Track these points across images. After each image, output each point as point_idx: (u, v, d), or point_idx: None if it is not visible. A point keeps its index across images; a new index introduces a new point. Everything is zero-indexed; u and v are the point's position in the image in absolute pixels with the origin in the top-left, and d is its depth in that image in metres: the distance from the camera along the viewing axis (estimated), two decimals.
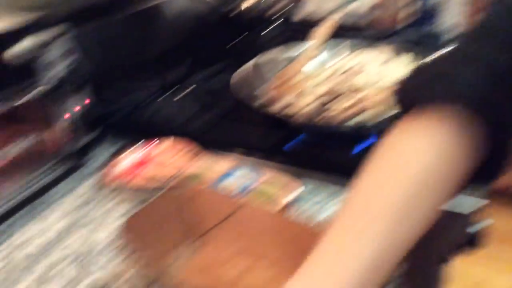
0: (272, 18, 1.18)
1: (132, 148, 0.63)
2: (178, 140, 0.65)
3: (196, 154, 0.62)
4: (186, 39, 1.16)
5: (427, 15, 1.22)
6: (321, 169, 0.65)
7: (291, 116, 0.71)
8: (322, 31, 0.93)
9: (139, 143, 0.64)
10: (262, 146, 0.69)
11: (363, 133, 0.67)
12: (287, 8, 1.18)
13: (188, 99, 0.84)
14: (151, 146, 0.63)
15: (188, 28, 1.21)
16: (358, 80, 0.78)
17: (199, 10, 1.26)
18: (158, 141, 0.63)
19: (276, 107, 0.74)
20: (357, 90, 0.74)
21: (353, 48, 0.89)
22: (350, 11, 1.44)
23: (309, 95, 0.75)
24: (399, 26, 1.22)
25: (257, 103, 0.77)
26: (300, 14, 1.33)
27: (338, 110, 0.71)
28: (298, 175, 0.63)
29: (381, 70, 0.79)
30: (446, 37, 1.12)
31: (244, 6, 1.15)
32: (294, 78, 0.81)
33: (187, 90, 0.88)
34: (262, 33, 1.17)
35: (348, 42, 0.91)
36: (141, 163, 0.60)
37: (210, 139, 0.71)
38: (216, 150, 0.69)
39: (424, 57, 0.82)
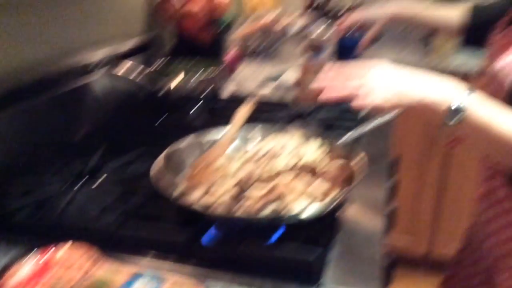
0: (200, 97, 1.21)
1: (28, 256, 0.61)
2: (77, 245, 0.63)
3: (96, 261, 0.61)
4: (108, 121, 1.17)
5: None
6: (234, 266, 0.65)
7: (207, 207, 0.72)
8: (241, 115, 0.97)
9: (35, 250, 0.61)
10: (175, 243, 0.68)
11: (278, 222, 0.69)
12: (214, 88, 1.21)
13: (101, 190, 0.83)
14: (49, 252, 0.61)
15: (113, 108, 1.23)
16: (272, 167, 0.80)
17: (126, 89, 1.28)
18: (54, 247, 0.61)
19: (192, 197, 0.74)
20: (271, 177, 0.76)
21: (265, 134, 0.93)
22: (272, 90, 1.52)
23: (226, 183, 0.76)
24: (318, 104, 1.29)
25: (174, 193, 0.76)
26: (225, 93, 1.38)
27: (254, 198, 0.72)
28: (205, 277, 0.63)
29: (293, 156, 0.82)
30: (361, 116, 1.20)
31: (172, 85, 1.18)
32: (212, 165, 0.83)
33: (100, 180, 0.87)
34: (189, 113, 1.20)
35: (259, 127, 0.95)
36: (38, 273, 0.58)
37: (121, 238, 0.70)
38: (123, 252, 0.68)
39: (333, 141, 0.88)
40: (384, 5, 1.16)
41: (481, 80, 0.91)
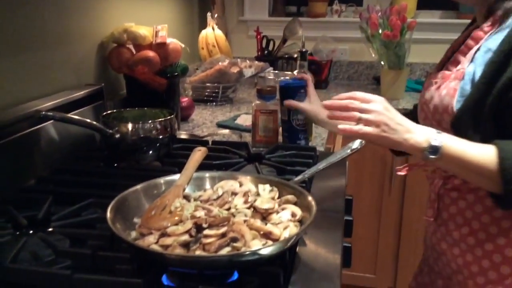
0: (153, 143, 1.21)
1: None
2: None
3: None
4: (59, 168, 1.15)
5: (298, 134, 1.34)
6: None
7: (165, 248, 0.71)
8: (194, 159, 0.98)
9: None
10: (133, 286, 0.67)
11: (238, 259, 0.69)
12: (167, 133, 1.22)
13: (52, 237, 0.80)
14: None
15: (64, 155, 1.21)
16: (227, 209, 0.82)
17: (78, 136, 1.27)
18: None
19: (148, 241, 0.73)
20: (226, 218, 0.76)
21: (218, 178, 0.94)
22: (226, 134, 1.54)
23: (182, 225, 0.76)
24: (275, 144, 1.32)
25: (131, 237, 0.76)
26: (179, 139, 1.39)
27: (211, 238, 0.72)
28: None
29: (247, 199, 0.84)
30: (315, 155, 1.23)
31: (125, 131, 1.17)
32: (167, 209, 0.82)
33: (51, 228, 0.84)
34: (145, 155, 1.19)
35: (212, 172, 0.97)
36: None
37: (76, 283, 0.67)
38: None
39: (286, 182, 0.90)
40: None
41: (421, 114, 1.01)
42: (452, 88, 0.89)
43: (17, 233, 0.83)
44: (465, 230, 0.92)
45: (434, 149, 0.81)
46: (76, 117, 1.15)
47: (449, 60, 0.99)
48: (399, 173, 1.05)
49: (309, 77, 1.35)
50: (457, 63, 0.95)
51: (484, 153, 0.81)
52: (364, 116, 0.84)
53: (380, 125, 0.82)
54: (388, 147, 0.87)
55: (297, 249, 0.79)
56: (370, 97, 0.86)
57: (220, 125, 1.68)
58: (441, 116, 0.91)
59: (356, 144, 0.96)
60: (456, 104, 0.87)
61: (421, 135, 0.83)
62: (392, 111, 0.85)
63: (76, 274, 0.68)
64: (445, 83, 0.92)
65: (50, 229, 0.84)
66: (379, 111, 0.83)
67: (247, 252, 0.69)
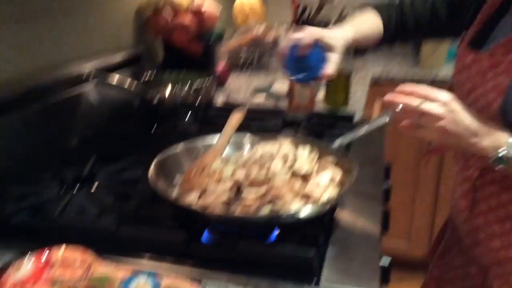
0: (191, 107, 1.22)
1: (25, 258, 0.61)
2: (73, 247, 0.63)
3: (94, 261, 0.61)
4: (101, 130, 1.17)
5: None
6: (231, 265, 0.66)
7: (205, 208, 0.72)
8: (232, 122, 0.98)
9: (30, 253, 0.61)
10: (173, 243, 0.69)
11: (275, 222, 0.70)
12: (205, 98, 1.22)
13: (97, 194, 0.83)
14: (46, 254, 0.61)
15: (105, 118, 1.23)
16: (266, 170, 0.82)
17: (118, 99, 1.29)
18: (50, 250, 0.61)
19: (189, 200, 0.75)
20: (266, 179, 0.77)
21: (257, 140, 0.94)
22: (263, 99, 1.53)
23: (222, 186, 0.77)
24: (311, 111, 1.31)
25: (173, 195, 0.79)
26: (217, 103, 1.40)
27: (251, 199, 0.73)
28: (202, 276, 0.64)
29: (286, 161, 0.84)
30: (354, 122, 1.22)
31: (163, 95, 1.19)
32: (207, 169, 0.83)
33: (95, 185, 0.87)
34: (180, 121, 1.21)
35: (251, 134, 0.97)
36: (37, 273, 0.57)
37: (118, 239, 0.70)
38: (121, 253, 0.68)
39: (324, 146, 0.89)
40: (343, 26, 0.99)
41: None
42: (503, 85, 0.77)
43: (63, 189, 0.86)
44: (509, 224, 0.86)
45: (502, 159, 0.73)
46: (116, 79, 1.17)
47: (490, 27, 0.86)
48: (430, 156, 0.98)
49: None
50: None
51: None
52: (424, 117, 0.73)
53: (443, 128, 0.72)
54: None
55: (336, 212, 0.80)
56: (435, 94, 0.73)
57: (256, 92, 1.67)
58: (481, 108, 0.81)
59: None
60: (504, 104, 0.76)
61: (489, 141, 0.73)
62: (459, 112, 0.73)
63: (122, 227, 0.70)
64: (491, 71, 0.80)
65: (95, 186, 0.87)
66: (442, 114, 0.72)
67: (287, 213, 0.69)
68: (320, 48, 0.87)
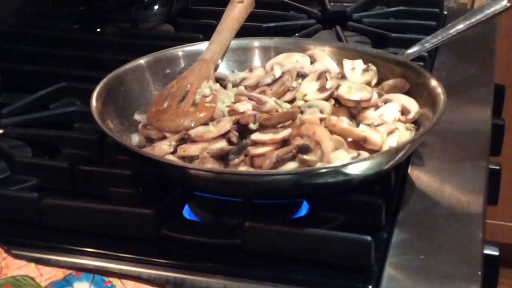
0: None
1: None
2: None
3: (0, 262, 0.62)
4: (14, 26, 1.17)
5: None
6: (230, 259, 0.66)
7: (189, 160, 0.73)
8: (232, 15, 0.97)
9: None
10: (135, 223, 0.69)
11: (306, 185, 0.69)
12: None
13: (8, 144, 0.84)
14: None
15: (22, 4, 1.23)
16: (290, 98, 0.83)
17: None
18: None
19: (162, 148, 0.75)
20: (290, 113, 0.77)
21: (274, 50, 0.95)
22: None
23: (217, 125, 0.77)
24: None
25: (134, 140, 0.80)
26: None
27: (265, 145, 0.73)
28: (182, 282, 0.64)
29: (324, 83, 0.84)
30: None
31: None
32: (190, 98, 0.83)
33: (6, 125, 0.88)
34: (147, 12, 1.20)
35: (265, 39, 0.98)
36: None
37: (45, 220, 0.70)
38: (54, 240, 0.68)
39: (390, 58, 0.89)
40: None
41: None
42: None
43: None
44: None
45: None
46: None
47: None
48: None
49: None
50: None
51: None
52: None
53: None
54: None
55: (410, 170, 0.80)
56: None
57: None
58: None
59: None
60: None
61: None
62: None
63: (48, 199, 0.70)
64: None
65: (0, 130, 0.87)
66: None
67: (326, 170, 0.68)
68: None
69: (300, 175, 0.69)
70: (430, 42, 0.96)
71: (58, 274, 0.61)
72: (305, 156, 0.70)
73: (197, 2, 1.27)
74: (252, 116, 0.76)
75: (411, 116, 0.80)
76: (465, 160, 0.83)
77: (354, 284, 0.63)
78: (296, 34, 1.12)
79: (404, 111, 0.80)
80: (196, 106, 0.82)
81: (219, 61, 0.92)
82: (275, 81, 0.86)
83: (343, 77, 0.87)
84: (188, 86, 0.85)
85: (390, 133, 0.76)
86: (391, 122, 0.78)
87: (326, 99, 0.82)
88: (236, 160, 0.72)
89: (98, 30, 1.22)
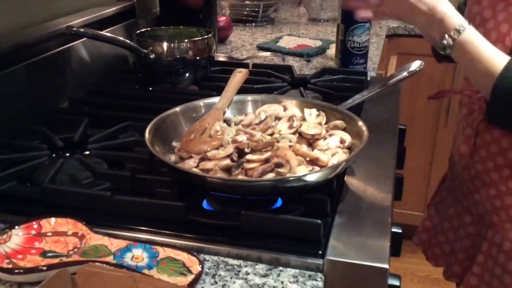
0: (190, 65, 1.20)
1: (11, 230, 0.61)
2: (63, 219, 0.63)
3: (84, 235, 0.62)
4: (93, 89, 1.17)
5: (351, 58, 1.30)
6: (232, 234, 0.66)
7: (206, 172, 0.73)
8: (234, 81, 0.97)
9: (17, 225, 0.61)
10: (172, 211, 0.69)
11: (282, 185, 0.70)
12: (204, 55, 1.20)
13: (90, 160, 0.83)
14: (34, 226, 0.61)
15: (99, 75, 1.22)
16: (271, 133, 0.82)
17: (111, 55, 1.27)
18: (38, 222, 0.61)
19: (188, 164, 0.75)
20: (270, 142, 0.76)
21: (260, 102, 0.93)
22: (268, 56, 1.51)
23: (224, 149, 0.77)
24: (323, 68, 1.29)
25: (171, 159, 0.79)
26: (217, 60, 1.37)
27: (255, 162, 0.73)
28: (201, 249, 0.65)
29: (292, 123, 0.83)
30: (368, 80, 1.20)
31: (159, 51, 1.17)
32: (207, 132, 0.83)
33: (88, 151, 0.87)
34: (181, 78, 1.19)
35: (255, 95, 0.96)
36: (28, 242, 0.58)
37: (115, 205, 0.70)
38: (118, 222, 0.68)
39: (334, 107, 0.89)
40: None
41: None
42: None
43: (53, 155, 0.86)
44: (507, 172, 0.89)
45: (446, 45, 0.80)
46: (109, 34, 1.15)
47: None
48: (431, 100, 1.02)
49: None
50: None
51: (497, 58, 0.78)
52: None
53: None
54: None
55: (346, 178, 0.79)
56: None
57: (261, 48, 1.64)
58: (493, 42, 0.82)
59: (415, 66, 0.93)
60: None
61: (451, 11, 0.80)
62: None
63: (117, 196, 0.70)
64: (503, 2, 0.84)
65: (87, 152, 0.87)
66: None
67: (292, 178, 0.69)
68: None
69: (277, 181, 0.70)
70: (358, 98, 0.97)
71: (122, 244, 0.62)
72: (279, 169, 0.71)
73: (214, 71, 1.26)
74: (246, 144, 0.76)
75: (346, 144, 0.79)
76: (380, 171, 0.83)
77: (309, 251, 0.63)
78: (275, 92, 1.11)
79: (342, 141, 0.80)
80: (211, 137, 0.81)
81: (226, 109, 0.91)
82: (261, 122, 0.85)
83: (304, 119, 0.87)
84: (206, 124, 0.84)
85: (333, 155, 0.76)
86: (334, 148, 0.78)
87: (293, 133, 0.82)
88: (236, 172, 0.73)
89: (150, 88, 1.21)
